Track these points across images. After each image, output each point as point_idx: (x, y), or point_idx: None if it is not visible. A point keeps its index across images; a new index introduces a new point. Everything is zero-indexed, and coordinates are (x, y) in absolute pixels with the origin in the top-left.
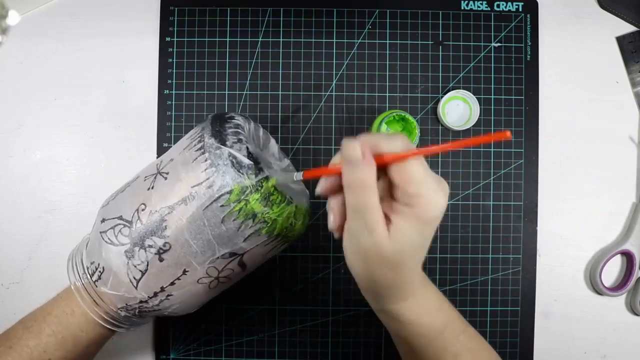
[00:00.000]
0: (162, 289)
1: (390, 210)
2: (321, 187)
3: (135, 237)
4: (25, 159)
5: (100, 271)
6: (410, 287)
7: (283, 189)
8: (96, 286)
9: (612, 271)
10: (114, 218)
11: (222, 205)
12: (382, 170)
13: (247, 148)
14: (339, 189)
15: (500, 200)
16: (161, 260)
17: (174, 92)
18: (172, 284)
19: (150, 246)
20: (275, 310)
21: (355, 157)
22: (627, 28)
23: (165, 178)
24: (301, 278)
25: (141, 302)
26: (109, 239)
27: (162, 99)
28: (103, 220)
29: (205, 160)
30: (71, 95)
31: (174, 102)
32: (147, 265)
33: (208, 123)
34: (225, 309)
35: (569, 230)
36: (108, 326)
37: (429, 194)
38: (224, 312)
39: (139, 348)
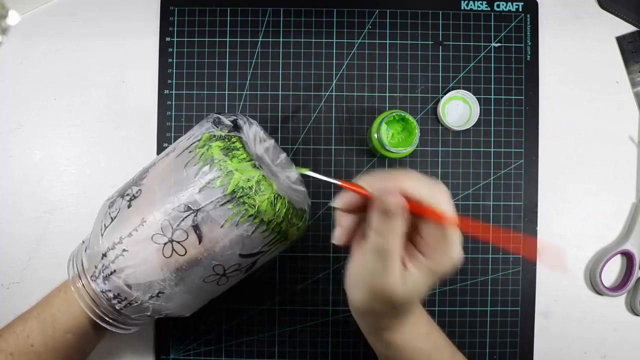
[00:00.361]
0: (120, 240)
1: (407, 254)
2: (342, 204)
3: (121, 188)
4: (25, 159)
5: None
6: (406, 320)
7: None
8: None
9: (612, 271)
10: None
11: (190, 152)
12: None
13: (235, 120)
14: (356, 210)
15: (500, 200)
16: (129, 207)
17: (174, 92)
18: (130, 235)
19: (127, 194)
20: (275, 310)
21: (395, 211)
22: (627, 28)
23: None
24: (301, 278)
25: (103, 256)
26: (110, 203)
27: (162, 99)
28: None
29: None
30: (71, 95)
31: (174, 102)
32: (118, 211)
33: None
34: (225, 309)
35: (569, 230)
36: (106, 325)
37: (447, 251)
38: (224, 312)
39: (139, 348)
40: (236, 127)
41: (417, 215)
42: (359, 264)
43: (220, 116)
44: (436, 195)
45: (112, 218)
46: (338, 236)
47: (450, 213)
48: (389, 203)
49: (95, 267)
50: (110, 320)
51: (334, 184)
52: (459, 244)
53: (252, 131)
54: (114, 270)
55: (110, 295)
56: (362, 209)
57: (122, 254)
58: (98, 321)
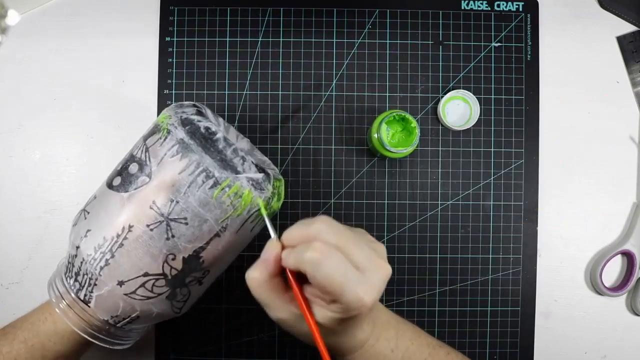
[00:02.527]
0: (198, 297)
1: (314, 303)
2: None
3: (173, 282)
4: (25, 159)
5: (132, 318)
6: (352, 346)
7: (273, 174)
8: (124, 329)
9: (612, 271)
10: (137, 277)
11: (252, 221)
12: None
13: (252, 162)
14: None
15: (501, 200)
16: (201, 284)
17: (173, 92)
18: (205, 289)
19: (191, 281)
20: None
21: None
22: (628, 28)
23: (186, 223)
24: None
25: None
26: (142, 295)
27: (162, 99)
28: (121, 283)
29: (228, 195)
30: (71, 95)
31: (174, 102)
32: (189, 293)
33: (200, 151)
34: (225, 309)
35: (569, 230)
36: (94, 340)
37: (346, 300)
38: (224, 312)
39: (140, 348)
40: (262, 170)
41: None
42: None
43: (251, 176)
44: (307, 262)
45: (184, 301)
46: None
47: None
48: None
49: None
50: (104, 337)
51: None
52: (355, 274)
53: (209, 113)
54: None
55: (111, 318)
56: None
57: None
58: (93, 340)
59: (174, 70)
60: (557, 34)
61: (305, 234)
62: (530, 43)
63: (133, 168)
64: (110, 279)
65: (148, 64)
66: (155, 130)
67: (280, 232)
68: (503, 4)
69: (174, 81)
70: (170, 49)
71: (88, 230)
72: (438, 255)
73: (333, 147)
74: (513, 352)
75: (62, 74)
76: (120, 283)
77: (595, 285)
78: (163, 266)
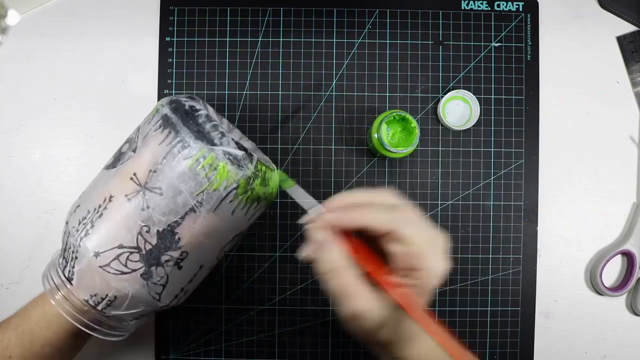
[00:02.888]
0: (182, 290)
1: (386, 284)
2: (329, 221)
3: (148, 258)
4: (25, 159)
5: (110, 300)
6: (407, 339)
7: (257, 154)
8: (104, 313)
9: (612, 271)
10: (112, 248)
11: (230, 201)
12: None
13: (232, 138)
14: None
15: (501, 200)
16: (180, 267)
17: (173, 92)
18: (190, 281)
19: (167, 261)
20: (275, 310)
21: (325, 244)
22: (628, 28)
23: (160, 194)
24: (301, 278)
25: (161, 307)
26: (115, 269)
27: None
28: (97, 254)
29: (203, 167)
30: (71, 95)
31: None
32: (167, 277)
33: (179, 122)
34: (225, 309)
35: (569, 230)
36: (89, 331)
37: (430, 265)
38: (224, 312)
39: (139, 348)
40: (243, 148)
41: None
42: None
43: (228, 150)
44: (398, 220)
45: (163, 285)
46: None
47: (417, 235)
48: (316, 235)
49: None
50: (97, 327)
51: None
52: (434, 246)
53: (210, 111)
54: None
55: (91, 298)
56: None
57: (184, 294)
58: (86, 330)
59: (174, 70)
60: (557, 34)
61: (373, 199)
62: (530, 43)
63: (125, 147)
64: (88, 249)
65: (148, 64)
66: (151, 114)
67: (280, 234)
68: (503, 4)
69: (174, 81)
70: (170, 49)
71: (77, 206)
72: None
73: (333, 147)
74: (513, 352)
75: (62, 74)
76: (97, 254)
77: (595, 285)
78: (137, 239)
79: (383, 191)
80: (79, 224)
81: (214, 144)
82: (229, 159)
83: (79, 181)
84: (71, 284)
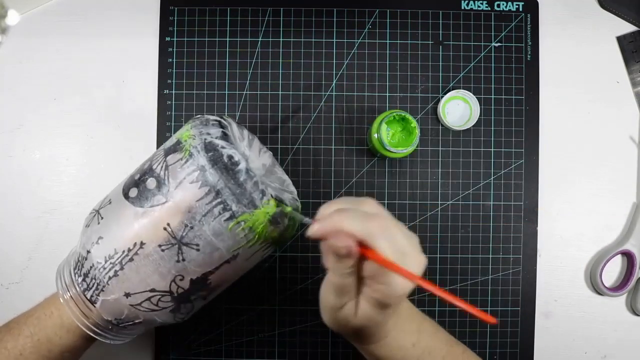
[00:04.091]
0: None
1: (360, 290)
2: (314, 234)
3: (179, 299)
4: (25, 159)
5: (137, 323)
6: (379, 335)
7: (280, 193)
8: (125, 327)
9: (612, 271)
10: (144, 291)
11: (263, 250)
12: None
13: (272, 195)
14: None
15: (501, 200)
16: (205, 299)
17: (173, 92)
18: (205, 299)
19: (195, 299)
20: (275, 310)
21: (344, 249)
22: (628, 28)
23: (197, 250)
24: (301, 278)
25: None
26: (147, 308)
27: (162, 99)
28: (128, 295)
29: (243, 229)
30: (71, 95)
31: (173, 102)
32: (193, 307)
33: (221, 184)
34: (225, 309)
35: (569, 230)
36: (95, 336)
37: (389, 282)
38: (224, 312)
39: (139, 348)
40: (279, 200)
41: (361, 257)
42: (324, 293)
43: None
44: (371, 229)
45: (188, 313)
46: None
47: (387, 254)
48: (339, 249)
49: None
50: (103, 333)
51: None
52: (396, 275)
53: (234, 128)
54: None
55: (114, 319)
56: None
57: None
58: (92, 335)
59: (174, 70)
60: (557, 34)
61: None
62: (530, 43)
63: (151, 183)
64: (118, 290)
65: (148, 64)
66: (177, 147)
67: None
68: (503, 4)
69: (174, 81)
70: (170, 49)
71: (100, 238)
72: (438, 255)
73: (333, 147)
74: (513, 352)
75: (62, 74)
76: (127, 295)
77: (595, 285)
78: (170, 285)
79: (364, 199)
80: (105, 262)
81: (255, 206)
82: (269, 220)
83: (79, 181)
84: (94, 306)
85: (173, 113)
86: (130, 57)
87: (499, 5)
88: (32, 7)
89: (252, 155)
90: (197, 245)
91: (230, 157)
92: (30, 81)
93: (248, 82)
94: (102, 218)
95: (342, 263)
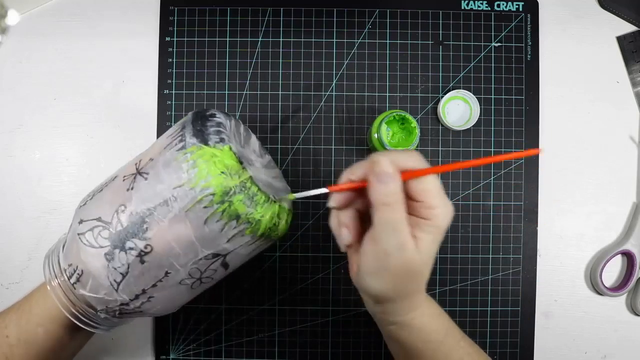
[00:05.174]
0: (144, 291)
1: (411, 226)
2: (336, 201)
3: (115, 238)
4: (25, 159)
5: (78, 274)
6: (422, 296)
7: (266, 187)
8: (74, 288)
9: (612, 271)
10: (92, 219)
11: (205, 207)
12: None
13: (230, 147)
14: (350, 203)
15: (501, 200)
16: (142, 262)
17: (173, 92)
18: (154, 285)
19: (131, 248)
20: (275, 310)
21: (388, 173)
22: (628, 28)
23: (146, 178)
24: (301, 278)
25: (122, 304)
26: (87, 240)
27: (162, 99)
28: (81, 222)
29: (187, 161)
30: (71, 95)
31: (173, 102)
32: (128, 267)
33: (189, 121)
34: (225, 309)
35: (569, 230)
36: (83, 326)
37: (443, 204)
38: (224, 312)
39: (139, 348)
40: (239, 161)
41: (408, 179)
42: (371, 251)
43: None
44: (413, 159)
45: (122, 274)
46: (346, 236)
47: (431, 167)
48: (380, 167)
49: (107, 306)
50: (87, 320)
51: (323, 194)
52: (444, 194)
53: (232, 125)
54: (140, 311)
55: (68, 267)
56: (356, 198)
57: (149, 300)
58: (74, 320)
59: (174, 70)
60: (557, 34)
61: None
62: (530, 43)
63: None
64: (77, 217)
65: (148, 64)
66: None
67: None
68: (503, 4)
69: (174, 81)
70: (170, 49)
71: (92, 191)
72: (438, 255)
73: (333, 147)
74: (513, 352)
75: (62, 74)
76: (80, 221)
77: (595, 285)
78: (113, 215)
79: (379, 153)
80: (83, 200)
81: (207, 145)
82: (214, 162)
83: (79, 181)
84: (63, 251)
85: (173, 113)
86: (130, 57)
87: (499, 5)
88: (32, 7)
89: (256, 161)
90: (147, 173)
91: (213, 114)
92: (30, 81)
93: (248, 82)
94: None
95: (390, 187)
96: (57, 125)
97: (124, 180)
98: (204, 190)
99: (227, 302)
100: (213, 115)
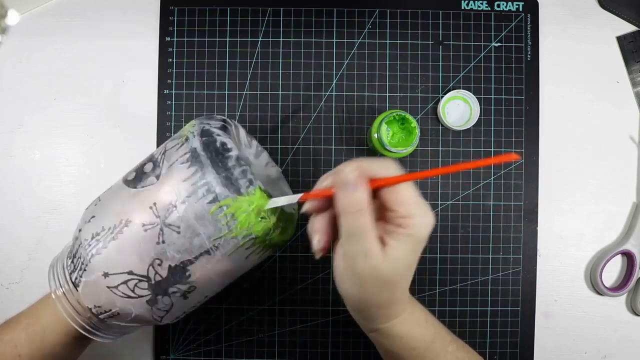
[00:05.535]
0: (183, 312)
1: (383, 232)
2: (307, 207)
3: (156, 288)
4: (25, 159)
5: (113, 314)
6: (402, 304)
7: (267, 184)
8: (104, 321)
9: (612, 271)
10: (122, 273)
11: (247, 248)
12: (372, 193)
13: (260, 187)
14: (324, 209)
15: (500, 200)
16: (186, 298)
17: (173, 92)
18: (193, 307)
19: (174, 292)
20: (275, 310)
21: (350, 182)
22: (628, 28)
23: (178, 232)
24: (301, 278)
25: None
26: (122, 292)
27: (162, 99)
28: (106, 275)
29: (225, 214)
30: (71, 95)
31: (173, 102)
32: (172, 305)
33: (208, 164)
34: (225, 309)
35: (569, 230)
36: (87, 334)
37: (420, 214)
38: (224, 312)
39: (139, 348)
40: (225, 130)
41: (376, 190)
42: (340, 257)
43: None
44: (388, 168)
45: (166, 311)
46: (317, 242)
47: (402, 175)
48: (342, 175)
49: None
50: (93, 330)
51: (297, 202)
52: (423, 202)
53: (241, 133)
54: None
55: (94, 307)
56: (330, 205)
57: (184, 315)
58: (80, 330)
59: (174, 70)
60: (557, 34)
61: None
62: (530, 43)
63: (148, 167)
64: (98, 269)
65: (148, 64)
66: (178, 135)
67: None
68: (503, 4)
69: (174, 81)
70: (170, 49)
71: (92, 217)
72: (438, 255)
73: (333, 147)
74: (513, 352)
75: (62, 74)
76: (106, 274)
77: (595, 285)
78: (148, 269)
79: (355, 159)
80: (91, 238)
81: (240, 193)
82: (253, 211)
83: (79, 181)
84: (77, 290)
85: (173, 113)
86: (130, 57)
87: (499, 5)
88: (32, 7)
89: (256, 163)
90: (179, 227)
91: (224, 144)
92: (30, 81)
93: (248, 82)
94: (99, 200)
95: (354, 196)
96: (57, 125)
97: (145, 230)
98: (247, 236)
99: (227, 302)
100: (227, 149)
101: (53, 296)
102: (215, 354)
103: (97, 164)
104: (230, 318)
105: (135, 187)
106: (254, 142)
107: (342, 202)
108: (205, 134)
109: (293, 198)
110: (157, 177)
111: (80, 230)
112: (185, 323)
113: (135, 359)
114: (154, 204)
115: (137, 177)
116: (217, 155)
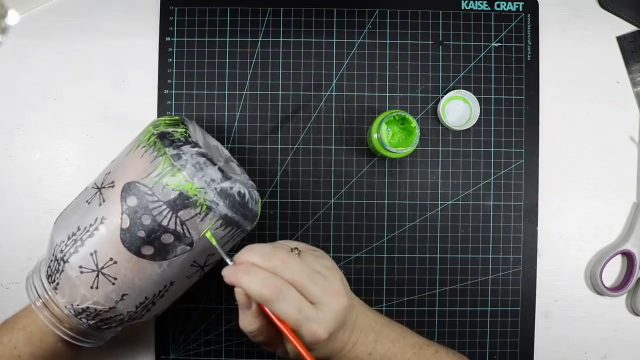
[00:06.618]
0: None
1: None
2: (225, 278)
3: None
4: (25, 159)
5: (87, 311)
6: (329, 354)
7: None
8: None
9: (612, 271)
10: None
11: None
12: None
13: (184, 123)
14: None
15: (500, 200)
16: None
17: (173, 92)
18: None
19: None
20: None
21: (245, 307)
22: (628, 28)
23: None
24: None
25: (132, 316)
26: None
27: (162, 99)
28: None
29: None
30: (71, 95)
31: (173, 102)
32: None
33: (237, 215)
34: (225, 309)
35: (569, 230)
36: (71, 340)
37: (303, 330)
38: (224, 312)
39: (139, 348)
40: (185, 126)
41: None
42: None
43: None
44: (265, 296)
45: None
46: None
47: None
48: (239, 301)
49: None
50: (77, 336)
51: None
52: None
53: (196, 130)
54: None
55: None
56: None
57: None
58: (67, 338)
59: (174, 70)
60: (557, 34)
61: (263, 267)
62: (530, 43)
63: (167, 238)
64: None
65: (148, 64)
66: (187, 203)
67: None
68: (503, 4)
69: (174, 81)
70: (170, 49)
71: (124, 294)
72: (438, 255)
73: (333, 147)
74: (513, 352)
75: (62, 74)
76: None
77: (595, 285)
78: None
79: (277, 250)
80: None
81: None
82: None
83: (79, 181)
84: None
85: (173, 113)
86: (130, 57)
87: (499, 5)
88: (32, 7)
89: (209, 148)
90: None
91: (239, 193)
92: (30, 81)
93: (248, 82)
94: (115, 279)
95: (246, 312)
96: (57, 125)
97: (188, 277)
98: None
99: (227, 302)
100: (242, 195)
101: (34, 307)
102: (215, 354)
103: (97, 164)
104: (230, 318)
105: (165, 259)
106: (198, 128)
107: (240, 308)
108: (223, 195)
109: (228, 262)
110: (190, 244)
111: (117, 310)
112: (185, 323)
113: (135, 358)
114: (195, 262)
115: (161, 250)
116: (242, 207)
